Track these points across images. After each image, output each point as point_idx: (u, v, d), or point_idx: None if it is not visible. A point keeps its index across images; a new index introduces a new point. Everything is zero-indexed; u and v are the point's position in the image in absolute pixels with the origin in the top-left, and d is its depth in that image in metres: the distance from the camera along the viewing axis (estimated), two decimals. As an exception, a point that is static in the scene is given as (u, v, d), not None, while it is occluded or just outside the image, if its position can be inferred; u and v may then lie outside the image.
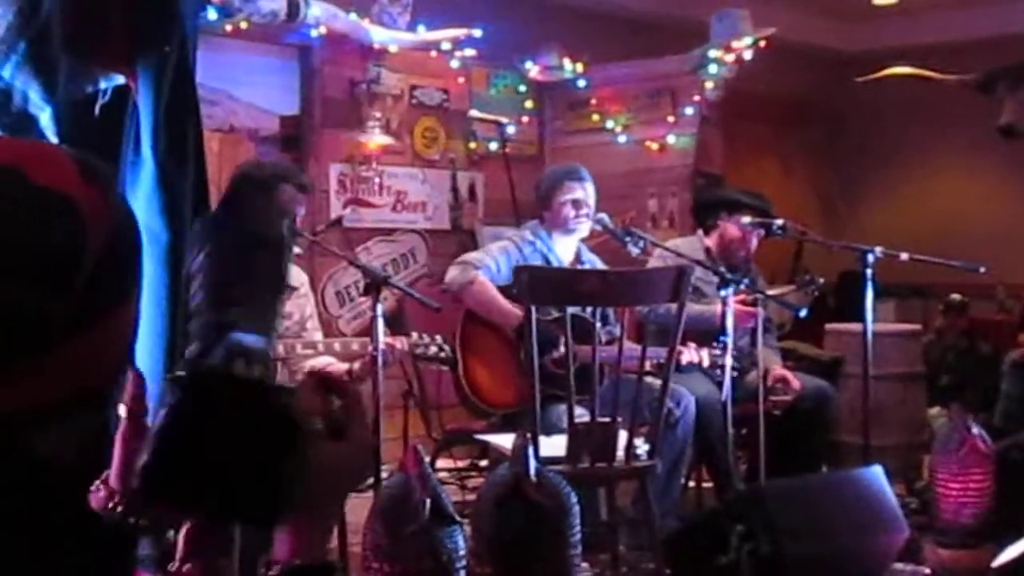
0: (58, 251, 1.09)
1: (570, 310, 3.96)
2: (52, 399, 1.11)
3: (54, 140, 2.02)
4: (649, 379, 4.11)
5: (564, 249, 4.84)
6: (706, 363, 4.63)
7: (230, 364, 1.26)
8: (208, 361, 1.25)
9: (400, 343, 4.19)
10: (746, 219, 5.20)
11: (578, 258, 4.89)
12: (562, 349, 4.40)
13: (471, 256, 4.76)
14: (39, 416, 1.12)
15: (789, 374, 5.16)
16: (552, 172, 5.07)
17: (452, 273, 4.68)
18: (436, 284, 6.38)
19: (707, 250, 5.25)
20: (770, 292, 5.20)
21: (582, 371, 3.96)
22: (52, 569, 1.09)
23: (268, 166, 4.54)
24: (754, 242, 5.29)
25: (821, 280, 5.40)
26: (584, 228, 4.80)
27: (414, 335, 4.31)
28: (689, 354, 4.62)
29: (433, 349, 4.31)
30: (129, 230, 1.17)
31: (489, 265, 4.67)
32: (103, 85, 2.11)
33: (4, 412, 1.09)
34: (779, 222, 5.15)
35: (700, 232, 5.43)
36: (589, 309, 4.35)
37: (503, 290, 4.64)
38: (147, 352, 2.13)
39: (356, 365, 4.25)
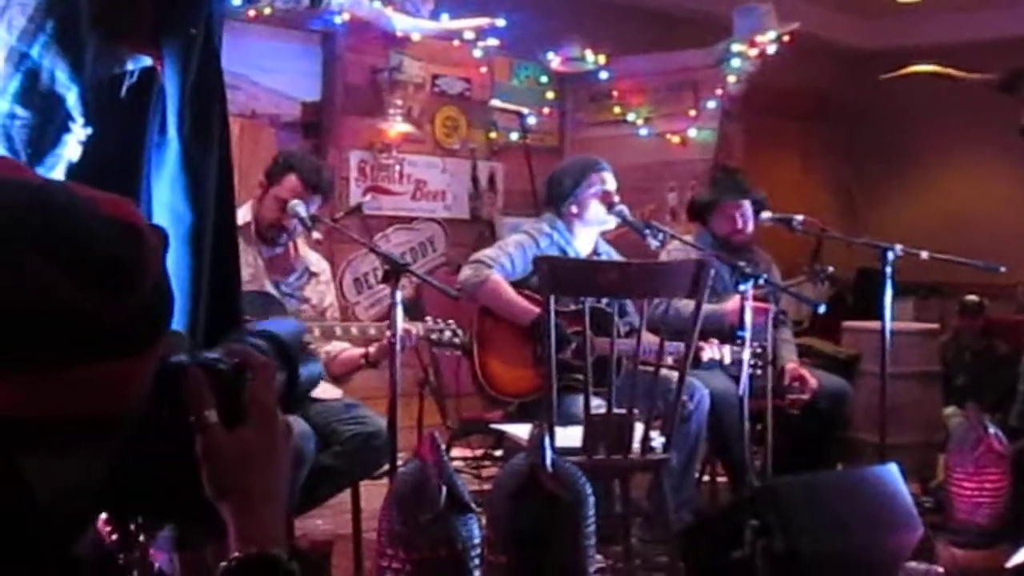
0: (121, 262, 1.10)
1: (588, 302, 3.96)
2: (57, 417, 1.11)
3: (80, 120, 2.03)
4: (665, 371, 4.10)
5: (583, 241, 4.82)
6: (727, 360, 4.64)
7: None
8: None
9: (416, 328, 4.20)
10: (766, 214, 5.22)
11: (595, 251, 4.88)
12: (574, 346, 4.41)
13: (484, 254, 4.73)
14: (36, 433, 1.11)
15: (806, 372, 5.15)
16: (575, 164, 5.01)
17: (465, 273, 4.66)
18: (454, 273, 6.38)
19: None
20: (782, 284, 5.21)
21: (598, 362, 3.96)
22: None
23: (294, 153, 4.54)
24: (745, 224, 5.29)
25: (830, 269, 5.39)
26: (613, 219, 4.79)
27: (429, 320, 4.32)
28: (711, 351, 4.63)
29: (448, 334, 4.32)
30: (169, 286, 1.19)
31: (503, 263, 4.64)
32: (130, 66, 2.12)
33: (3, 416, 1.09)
34: (798, 218, 5.15)
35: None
36: (605, 301, 4.36)
37: (518, 285, 4.64)
38: (169, 334, 2.14)
39: (372, 349, 4.26)
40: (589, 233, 4.83)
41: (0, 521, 1.10)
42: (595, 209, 4.74)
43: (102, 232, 1.11)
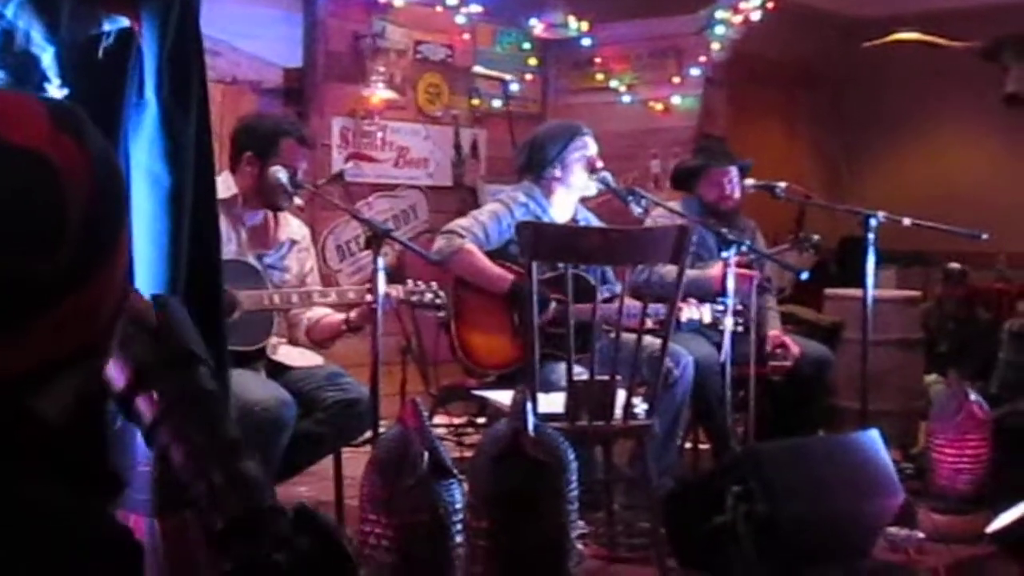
0: (38, 215, 1.08)
1: (570, 268, 3.95)
2: (51, 360, 1.11)
3: (56, 80, 2.01)
4: (649, 338, 4.10)
5: (560, 209, 4.79)
6: (707, 319, 4.64)
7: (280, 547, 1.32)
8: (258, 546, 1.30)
9: (396, 291, 4.18)
10: (749, 181, 5.21)
11: (574, 218, 4.86)
12: (552, 308, 4.41)
13: (456, 224, 4.69)
14: (38, 379, 1.12)
15: (788, 339, 5.17)
16: (559, 127, 4.97)
17: (438, 244, 4.63)
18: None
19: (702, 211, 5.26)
20: (766, 251, 5.22)
21: (578, 329, 3.95)
22: (44, 520, 1.08)
23: (269, 120, 4.51)
24: (733, 190, 5.30)
25: (816, 237, 5.40)
26: (595, 185, 4.77)
27: (409, 282, 4.29)
28: (689, 311, 4.62)
29: (428, 296, 4.30)
30: (111, 177, 1.16)
31: (476, 232, 4.62)
32: (107, 27, 2.09)
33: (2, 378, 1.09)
34: (782, 185, 5.15)
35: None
36: (584, 267, 4.36)
37: (494, 255, 4.62)
38: (148, 297, 2.12)
39: (352, 314, 4.25)
40: (569, 199, 4.80)
41: (29, 453, 1.12)
42: (580, 173, 4.72)
43: (11, 187, 1.08)
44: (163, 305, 1.38)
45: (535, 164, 4.77)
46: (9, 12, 1.98)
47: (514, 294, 4.50)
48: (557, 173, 4.72)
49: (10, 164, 1.08)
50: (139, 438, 1.71)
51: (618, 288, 4.42)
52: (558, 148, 4.73)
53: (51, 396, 1.14)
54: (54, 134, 1.11)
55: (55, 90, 2.02)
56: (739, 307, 4.52)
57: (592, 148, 4.76)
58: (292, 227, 4.47)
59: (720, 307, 4.50)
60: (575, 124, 4.91)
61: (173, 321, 1.40)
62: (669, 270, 4.41)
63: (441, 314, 4.54)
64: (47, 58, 2.01)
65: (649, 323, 4.10)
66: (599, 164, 4.73)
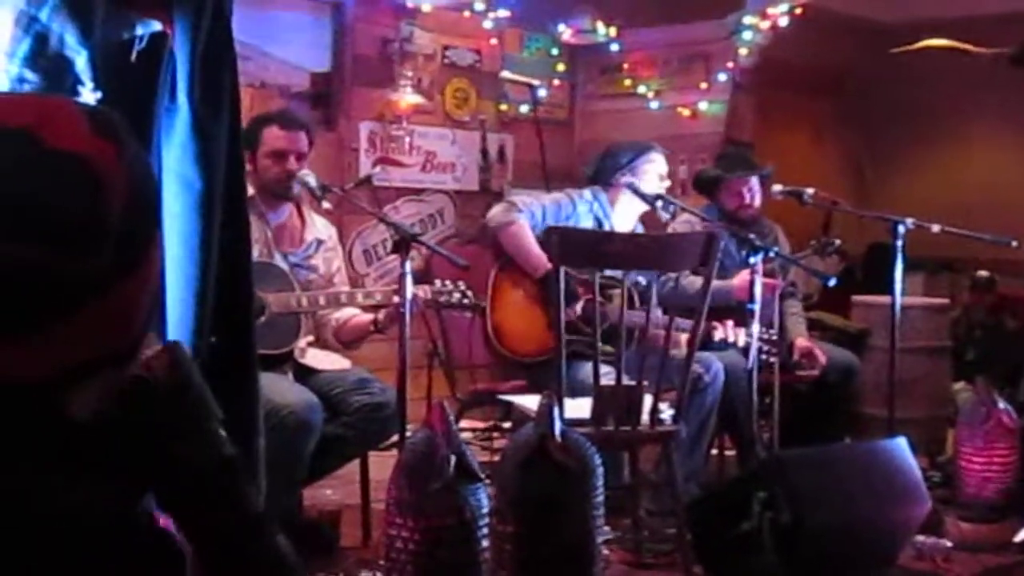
0: (81, 216, 1.09)
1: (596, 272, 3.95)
2: (83, 361, 1.12)
3: (89, 84, 2.03)
4: (676, 350, 4.10)
5: (622, 218, 4.85)
6: (740, 343, 4.63)
7: None
8: None
9: (423, 291, 4.17)
10: (776, 187, 5.20)
11: (634, 230, 4.91)
12: (581, 303, 4.44)
13: (518, 199, 4.80)
14: (69, 380, 1.12)
15: (815, 348, 5.15)
16: (631, 142, 5.09)
17: (495, 210, 4.74)
18: (464, 245, 6.38)
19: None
20: (791, 256, 5.20)
21: (609, 330, 3.95)
22: (76, 514, 1.09)
23: (251, 118, 4.51)
24: (753, 199, 5.30)
25: (837, 241, 5.38)
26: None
27: (437, 282, 4.28)
28: (723, 331, 4.63)
29: (456, 296, 4.28)
30: (146, 182, 1.18)
31: (534, 211, 4.70)
32: (140, 31, 2.11)
33: (38, 377, 1.10)
34: (809, 191, 5.13)
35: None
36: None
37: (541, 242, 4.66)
38: (178, 301, 2.14)
39: (381, 315, 4.25)
40: (632, 209, 4.86)
41: (59, 451, 1.14)
42: (649, 184, 4.77)
43: (55, 188, 1.08)
44: (172, 352, 1.31)
45: (604, 170, 4.88)
46: (43, 16, 2.00)
47: (547, 281, 4.53)
48: (624, 180, 4.78)
49: (51, 167, 1.09)
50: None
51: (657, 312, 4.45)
52: (630, 157, 4.84)
53: (81, 397, 1.15)
54: (94, 139, 1.12)
55: (88, 94, 2.03)
56: (774, 335, 4.53)
57: (663, 166, 4.86)
58: (318, 227, 4.48)
59: (750, 333, 4.49)
60: (649, 142, 5.05)
61: (185, 375, 1.33)
62: (693, 280, 4.42)
63: (468, 314, 4.55)
64: (80, 62, 2.03)
65: (682, 338, 4.11)
66: (667, 182, 4.87)
